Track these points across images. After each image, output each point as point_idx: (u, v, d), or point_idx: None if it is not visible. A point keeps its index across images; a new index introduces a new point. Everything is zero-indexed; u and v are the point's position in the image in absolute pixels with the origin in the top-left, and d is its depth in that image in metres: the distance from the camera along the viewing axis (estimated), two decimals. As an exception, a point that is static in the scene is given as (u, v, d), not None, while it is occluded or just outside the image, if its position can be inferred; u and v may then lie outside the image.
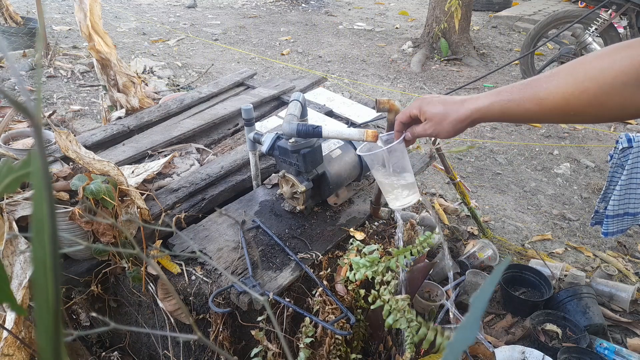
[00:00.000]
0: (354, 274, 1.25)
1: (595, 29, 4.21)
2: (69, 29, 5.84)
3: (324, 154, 1.47)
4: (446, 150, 2.24)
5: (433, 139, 2.10)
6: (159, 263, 1.37)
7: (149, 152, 1.85)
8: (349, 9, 8.01)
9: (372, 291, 1.22)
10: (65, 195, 1.34)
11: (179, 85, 4.35)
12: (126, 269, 1.40)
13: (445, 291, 2.09)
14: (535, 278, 2.21)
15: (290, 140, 1.36)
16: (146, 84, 3.77)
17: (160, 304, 1.39)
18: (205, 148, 1.96)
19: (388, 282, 1.23)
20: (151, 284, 1.41)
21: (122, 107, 2.40)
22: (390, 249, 1.39)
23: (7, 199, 1.27)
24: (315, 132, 1.30)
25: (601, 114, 0.78)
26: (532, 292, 2.22)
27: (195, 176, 1.68)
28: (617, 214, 2.15)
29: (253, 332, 1.22)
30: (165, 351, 1.54)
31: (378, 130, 1.20)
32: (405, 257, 1.23)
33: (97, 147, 1.89)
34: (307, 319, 1.23)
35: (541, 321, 2.01)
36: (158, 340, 1.58)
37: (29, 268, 1.23)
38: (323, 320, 1.23)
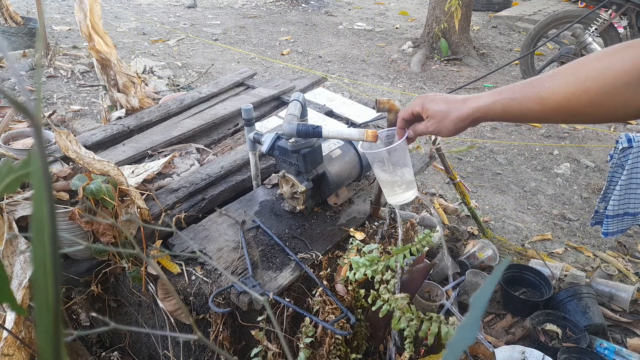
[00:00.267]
0: (354, 274, 1.25)
1: (595, 29, 4.21)
2: (69, 29, 5.84)
3: (324, 154, 1.47)
4: (446, 150, 2.24)
5: (433, 138, 2.10)
6: (159, 263, 1.37)
7: (149, 152, 1.85)
8: (349, 9, 8.01)
9: (372, 291, 1.22)
10: (65, 195, 1.34)
11: (179, 85, 4.35)
12: (126, 269, 1.40)
13: (445, 291, 2.09)
14: (535, 278, 2.21)
15: (290, 140, 1.36)
16: (146, 84, 3.77)
17: (160, 304, 1.39)
18: (205, 148, 1.96)
19: (387, 281, 1.23)
20: (151, 284, 1.41)
21: (122, 107, 2.40)
22: (390, 249, 1.39)
23: (7, 199, 1.27)
24: (315, 132, 1.30)
25: (602, 114, 0.78)
26: (532, 292, 2.22)
27: (195, 176, 1.68)
28: (617, 214, 2.15)
29: (253, 332, 1.22)
30: (165, 351, 1.54)
31: (378, 130, 1.20)
32: (404, 256, 1.23)
33: (97, 147, 1.89)
34: (307, 319, 1.23)
35: (541, 321, 2.01)
36: (158, 340, 1.58)
37: (29, 268, 1.23)
38: (323, 320, 1.22)
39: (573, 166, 3.51)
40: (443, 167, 2.36)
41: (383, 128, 1.20)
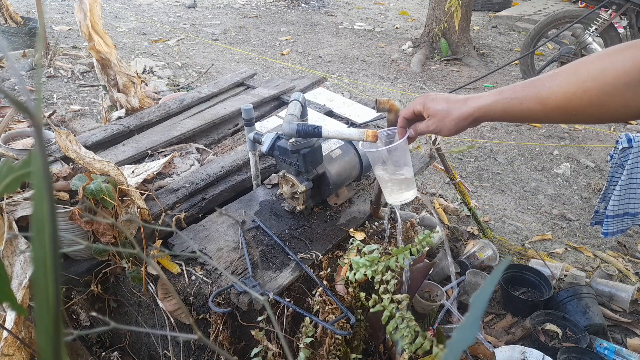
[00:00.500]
0: (354, 274, 1.25)
1: (595, 29, 4.21)
2: (69, 29, 5.84)
3: (324, 154, 1.47)
4: (446, 150, 2.24)
5: (433, 138, 2.10)
6: (159, 263, 1.37)
7: (149, 152, 1.85)
8: (349, 9, 8.01)
9: (373, 295, 1.22)
10: (65, 195, 1.34)
11: (179, 85, 4.35)
12: (126, 269, 1.40)
13: (445, 291, 2.09)
14: (535, 278, 2.21)
15: (290, 140, 1.36)
16: (146, 84, 3.77)
17: (160, 304, 1.39)
18: (205, 148, 1.96)
19: (388, 282, 1.23)
20: (151, 284, 1.41)
21: (122, 107, 2.40)
22: (390, 249, 1.39)
23: (7, 199, 1.27)
24: (315, 132, 1.30)
25: (603, 114, 0.78)
26: (532, 292, 2.22)
27: (195, 176, 1.68)
28: (617, 214, 2.15)
29: (253, 332, 1.22)
30: (165, 351, 1.54)
31: (378, 130, 1.20)
32: (404, 256, 1.23)
33: (97, 147, 1.89)
34: (307, 319, 1.23)
35: (541, 321, 2.01)
36: (158, 340, 1.58)
37: (29, 268, 1.23)
38: (323, 320, 1.22)
39: (573, 166, 3.51)
40: (443, 167, 2.36)
41: (383, 128, 1.20)
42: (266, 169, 1.77)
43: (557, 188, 3.25)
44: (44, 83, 4.16)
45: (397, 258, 1.24)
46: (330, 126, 1.81)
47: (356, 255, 1.32)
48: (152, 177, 1.68)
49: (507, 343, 1.96)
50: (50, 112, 2.50)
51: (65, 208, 1.28)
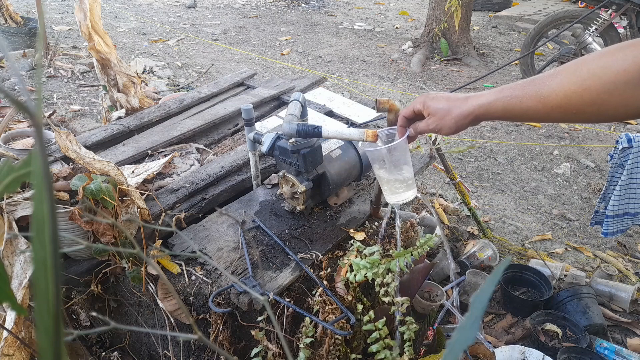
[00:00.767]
0: (354, 275, 1.25)
1: (595, 29, 4.22)
2: (69, 29, 5.84)
3: (324, 154, 1.47)
4: (446, 150, 2.24)
5: (433, 138, 2.09)
6: (159, 263, 1.37)
7: (149, 152, 1.85)
8: (349, 9, 8.01)
9: (370, 313, 1.22)
10: (65, 195, 1.34)
11: (179, 85, 4.35)
12: (126, 269, 1.40)
13: (445, 291, 2.09)
14: (535, 278, 2.21)
15: (290, 140, 1.36)
16: (146, 84, 3.77)
17: (160, 304, 1.39)
18: (205, 148, 1.96)
19: (388, 284, 1.23)
20: (151, 284, 1.41)
21: (122, 107, 2.40)
22: (390, 251, 1.39)
23: (7, 199, 1.27)
24: (315, 132, 1.30)
25: (603, 112, 0.78)
26: (532, 292, 2.22)
27: (195, 176, 1.68)
28: (617, 214, 2.15)
29: (253, 332, 1.22)
30: (165, 351, 1.54)
31: (378, 130, 1.20)
32: (405, 258, 1.23)
33: (97, 147, 1.89)
34: (307, 319, 1.23)
35: (541, 321, 2.01)
36: (158, 340, 1.58)
37: (29, 268, 1.23)
38: (323, 320, 1.22)
39: (573, 166, 3.51)
40: (443, 167, 2.36)
41: (383, 128, 1.19)
42: (266, 169, 1.77)
43: (557, 188, 3.25)
44: (44, 83, 4.16)
45: (397, 260, 1.24)
46: (330, 126, 1.81)
47: (356, 257, 1.32)
48: (152, 177, 1.68)
49: (507, 343, 1.96)
50: (50, 112, 2.50)
51: (65, 208, 1.28)
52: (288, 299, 1.26)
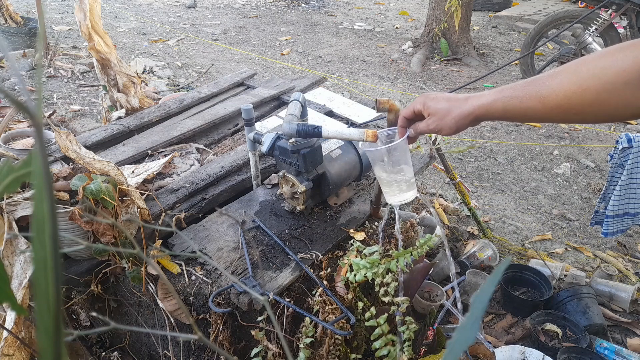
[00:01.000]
0: (354, 275, 1.25)
1: (595, 29, 4.22)
2: (69, 29, 5.84)
3: (324, 154, 1.47)
4: (446, 150, 2.24)
5: (433, 138, 2.09)
6: (159, 263, 1.37)
7: (149, 152, 1.85)
8: (349, 9, 8.01)
9: (371, 309, 1.22)
10: (65, 195, 1.34)
11: (179, 85, 4.35)
12: (126, 269, 1.40)
13: (445, 291, 2.09)
14: (535, 278, 2.21)
15: (290, 140, 1.36)
16: (146, 84, 3.77)
17: (160, 304, 1.39)
18: (205, 148, 1.96)
19: (388, 284, 1.23)
20: (151, 284, 1.41)
21: (122, 107, 2.40)
22: (390, 251, 1.39)
23: (7, 199, 1.27)
24: (315, 132, 1.30)
25: (603, 113, 0.78)
26: (532, 292, 2.22)
27: (195, 176, 1.68)
28: (617, 214, 2.15)
29: (253, 332, 1.22)
30: (165, 351, 1.54)
31: (378, 130, 1.20)
32: (405, 258, 1.23)
33: (97, 147, 1.89)
34: (307, 319, 1.23)
35: (541, 321, 2.01)
36: (158, 340, 1.58)
37: (29, 268, 1.23)
38: (323, 320, 1.22)
39: (573, 166, 3.51)
40: (443, 167, 2.36)
41: (383, 128, 1.19)
42: (266, 169, 1.77)
43: (557, 188, 3.25)
44: (44, 83, 4.16)
45: (397, 260, 1.24)
46: (330, 126, 1.81)
47: (356, 257, 1.32)
48: (152, 177, 1.68)
49: (507, 343, 1.96)
50: (50, 112, 2.50)
51: (65, 208, 1.28)
52: (288, 299, 1.26)
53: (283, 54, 5.68)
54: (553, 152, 3.69)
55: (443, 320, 2.04)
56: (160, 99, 2.74)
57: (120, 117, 2.27)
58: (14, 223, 1.26)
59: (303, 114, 1.60)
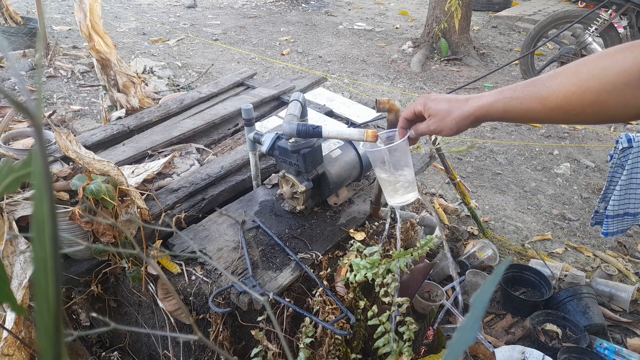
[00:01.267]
0: (354, 275, 1.25)
1: (595, 29, 4.22)
2: (69, 29, 5.84)
3: (324, 154, 1.47)
4: (446, 150, 2.24)
5: (433, 138, 2.09)
6: (159, 263, 1.37)
7: (149, 152, 1.85)
8: (349, 9, 8.01)
9: (373, 307, 1.22)
10: (65, 195, 1.34)
11: (179, 85, 4.35)
12: (126, 269, 1.40)
13: (445, 291, 2.09)
14: (535, 278, 2.21)
15: (290, 140, 1.36)
16: (146, 84, 3.77)
17: (160, 304, 1.39)
18: (205, 148, 1.96)
19: (388, 284, 1.23)
20: (151, 284, 1.41)
21: (122, 107, 2.40)
22: (390, 251, 1.39)
23: (7, 199, 1.27)
24: (315, 132, 1.30)
25: (603, 114, 0.79)
26: (532, 292, 2.22)
27: (195, 176, 1.68)
28: (617, 214, 2.15)
29: (253, 332, 1.22)
30: (165, 351, 1.54)
31: (378, 130, 1.20)
32: (405, 258, 1.23)
33: (97, 147, 1.89)
34: (307, 319, 1.23)
35: (541, 321, 2.01)
36: (158, 340, 1.58)
37: (29, 268, 1.23)
38: (323, 320, 1.22)
39: (573, 166, 3.51)
40: (443, 167, 2.36)
41: (383, 128, 1.19)
42: (266, 169, 1.77)
43: (557, 188, 3.25)
44: (44, 83, 4.16)
45: (397, 261, 1.23)
46: (330, 126, 1.81)
47: (356, 257, 1.32)
48: (152, 177, 1.68)
49: (507, 343, 1.96)
50: (50, 112, 2.50)
51: (65, 208, 1.28)
52: (288, 299, 1.26)
53: (283, 54, 5.68)
54: (553, 152, 3.69)
55: (443, 320, 2.04)
56: (160, 99, 2.74)
57: (120, 117, 2.27)
58: (14, 223, 1.26)
59: (303, 114, 1.60)
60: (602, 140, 3.92)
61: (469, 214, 2.65)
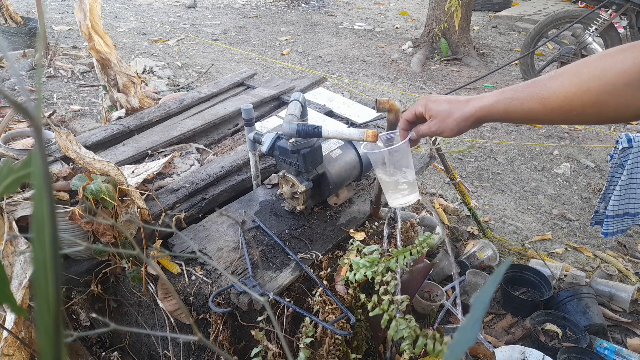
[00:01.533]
0: (354, 274, 1.25)
1: (595, 29, 4.22)
2: (69, 29, 5.84)
3: (324, 154, 1.47)
4: (446, 150, 2.24)
5: (433, 139, 2.09)
6: (159, 263, 1.37)
7: (149, 152, 1.85)
8: (349, 9, 8.01)
9: (373, 298, 1.22)
10: (65, 195, 1.34)
11: (179, 85, 4.35)
12: (126, 269, 1.40)
13: (445, 291, 2.09)
14: (535, 278, 2.21)
15: (290, 140, 1.36)
16: (146, 84, 3.77)
17: (160, 304, 1.39)
18: (205, 148, 1.96)
19: (388, 283, 1.23)
20: (151, 284, 1.41)
21: (122, 107, 2.40)
22: (390, 250, 1.39)
23: (7, 199, 1.27)
24: (315, 132, 1.30)
25: (603, 114, 0.79)
26: (532, 292, 2.22)
27: (195, 176, 1.68)
28: (617, 214, 2.15)
29: (253, 332, 1.22)
30: (165, 351, 1.54)
31: (378, 130, 1.20)
32: (404, 257, 1.23)
33: (97, 147, 1.89)
34: (307, 319, 1.23)
35: (541, 321, 2.01)
36: (158, 340, 1.58)
37: (29, 268, 1.23)
38: (323, 320, 1.22)
39: (573, 166, 3.51)
40: (443, 167, 2.36)
41: (383, 128, 1.19)
42: (266, 169, 1.77)
43: (557, 188, 3.25)
44: (44, 83, 4.16)
45: (397, 259, 1.23)
46: (330, 126, 1.81)
47: (356, 256, 1.32)
48: (152, 177, 1.68)
49: (507, 343, 1.96)
50: (50, 112, 2.50)
51: (65, 208, 1.28)
52: (288, 299, 1.26)
53: (283, 54, 5.68)
54: (553, 152, 3.69)
55: (443, 320, 2.04)
56: (160, 99, 2.74)
57: (120, 117, 2.27)
58: (14, 223, 1.26)
59: (303, 114, 1.60)
60: (602, 140, 3.92)
61: (469, 214, 2.65)
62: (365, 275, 1.23)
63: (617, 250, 2.65)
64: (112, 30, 6.03)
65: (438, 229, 2.17)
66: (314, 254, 1.37)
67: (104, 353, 1.70)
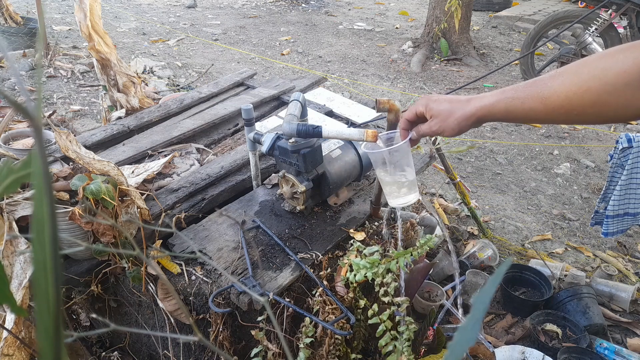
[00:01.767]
0: (354, 275, 1.25)
1: (595, 29, 4.22)
2: (69, 29, 5.84)
3: (324, 154, 1.47)
4: (446, 150, 2.24)
5: (433, 138, 2.09)
6: (159, 263, 1.37)
7: (149, 152, 1.85)
8: (349, 9, 8.01)
9: (374, 306, 1.22)
10: (65, 195, 1.34)
11: (179, 85, 4.35)
12: (126, 269, 1.40)
13: (445, 291, 2.09)
14: (535, 278, 2.21)
15: (290, 140, 1.36)
16: (146, 84, 3.77)
17: (160, 304, 1.39)
18: (205, 148, 1.96)
19: (388, 284, 1.23)
20: (151, 284, 1.41)
21: (122, 107, 2.40)
22: (390, 251, 1.39)
23: (7, 199, 1.27)
24: (315, 132, 1.30)
25: (604, 114, 0.79)
26: (532, 292, 2.22)
27: (195, 176, 1.68)
28: (617, 214, 2.15)
29: (253, 332, 1.22)
30: (165, 351, 1.54)
31: (378, 130, 1.20)
32: (405, 258, 1.23)
33: (97, 147, 1.89)
34: (307, 319, 1.23)
35: (541, 321, 2.01)
36: (158, 340, 1.58)
37: (29, 268, 1.23)
38: (323, 320, 1.22)
39: (573, 166, 3.51)
40: (443, 167, 2.36)
41: (383, 128, 1.19)
42: (266, 169, 1.77)
43: (557, 188, 3.25)
44: (44, 83, 4.16)
45: (397, 260, 1.23)
46: (330, 126, 1.81)
47: (356, 257, 1.32)
48: (152, 177, 1.68)
49: (507, 343, 1.96)
50: (50, 112, 2.50)
51: (65, 208, 1.28)
52: (288, 299, 1.26)
53: (283, 54, 5.68)
54: (553, 152, 3.69)
55: (443, 320, 2.04)
56: (160, 99, 2.74)
57: (120, 117, 2.27)
58: (14, 223, 1.26)
59: (303, 114, 1.60)
60: (602, 140, 3.92)
61: (469, 214, 2.65)
62: (366, 277, 1.23)
63: (617, 250, 2.65)
64: (112, 30, 6.03)
65: (438, 230, 2.17)
66: (314, 254, 1.37)
67: (104, 353, 1.70)
